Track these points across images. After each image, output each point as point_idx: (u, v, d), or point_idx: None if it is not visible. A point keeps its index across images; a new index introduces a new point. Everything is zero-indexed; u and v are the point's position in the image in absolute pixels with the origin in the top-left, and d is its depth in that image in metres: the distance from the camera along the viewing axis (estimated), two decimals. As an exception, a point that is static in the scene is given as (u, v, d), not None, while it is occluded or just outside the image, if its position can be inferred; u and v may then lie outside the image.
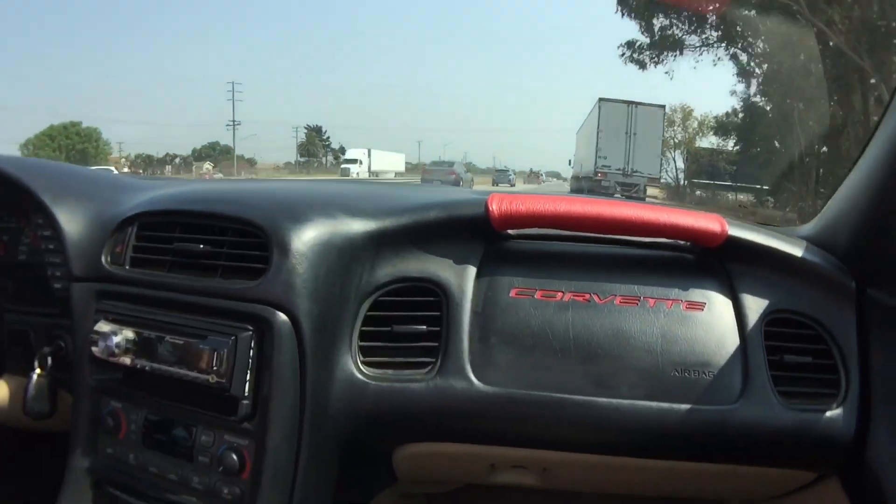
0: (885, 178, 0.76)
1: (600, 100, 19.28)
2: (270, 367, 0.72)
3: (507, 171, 41.60)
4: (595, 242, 0.88)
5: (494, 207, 0.81)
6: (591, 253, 0.87)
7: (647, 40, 16.38)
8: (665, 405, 0.76)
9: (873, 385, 0.79)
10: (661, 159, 19.07)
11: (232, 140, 44.20)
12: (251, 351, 0.72)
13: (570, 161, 30.21)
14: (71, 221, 0.87)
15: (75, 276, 0.85)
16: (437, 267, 0.82)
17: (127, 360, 0.76)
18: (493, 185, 31.55)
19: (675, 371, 0.77)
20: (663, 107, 20.50)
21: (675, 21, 15.76)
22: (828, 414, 0.78)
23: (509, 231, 0.86)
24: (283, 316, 0.73)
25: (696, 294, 0.82)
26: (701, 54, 16.22)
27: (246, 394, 0.72)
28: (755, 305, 0.82)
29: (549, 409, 0.76)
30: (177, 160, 53.92)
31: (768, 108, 18.25)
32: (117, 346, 0.76)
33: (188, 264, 0.79)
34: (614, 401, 0.76)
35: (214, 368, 0.71)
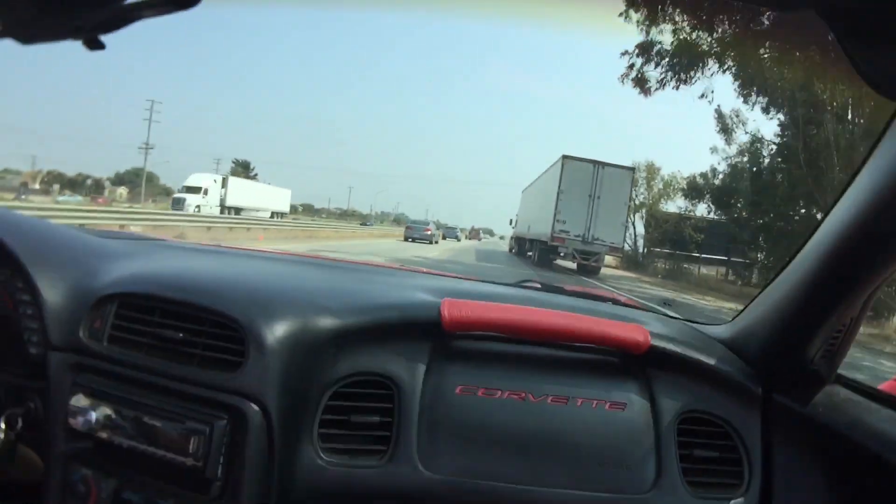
0: (796, 302, 0.87)
1: (564, 157, 16.94)
2: (242, 452, 0.78)
3: (455, 228, 46.44)
4: (532, 344, 0.97)
5: (446, 313, 0.90)
6: (528, 354, 0.97)
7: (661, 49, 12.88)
8: (588, 493, 0.86)
9: (775, 478, 0.91)
10: (626, 227, 16.92)
11: (144, 163, 38.78)
12: (225, 438, 0.78)
13: (511, 220, 28.78)
14: (51, 290, 0.88)
15: (53, 346, 0.86)
16: (392, 363, 0.90)
17: (104, 435, 0.79)
18: (442, 238, 35.01)
19: (598, 464, 0.88)
20: (632, 169, 18.52)
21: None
22: (731, 502, 0.89)
23: (457, 332, 0.94)
24: (256, 407, 0.79)
25: (619, 395, 0.93)
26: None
27: (219, 476, 0.78)
28: (670, 406, 0.93)
29: (488, 496, 0.85)
30: (88, 181, 49.33)
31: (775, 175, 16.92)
32: (96, 421, 0.79)
33: (167, 348, 0.83)
34: (543, 489, 0.86)
35: (191, 452, 0.77)
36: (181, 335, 0.83)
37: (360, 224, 50.99)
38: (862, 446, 0.80)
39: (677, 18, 11.28)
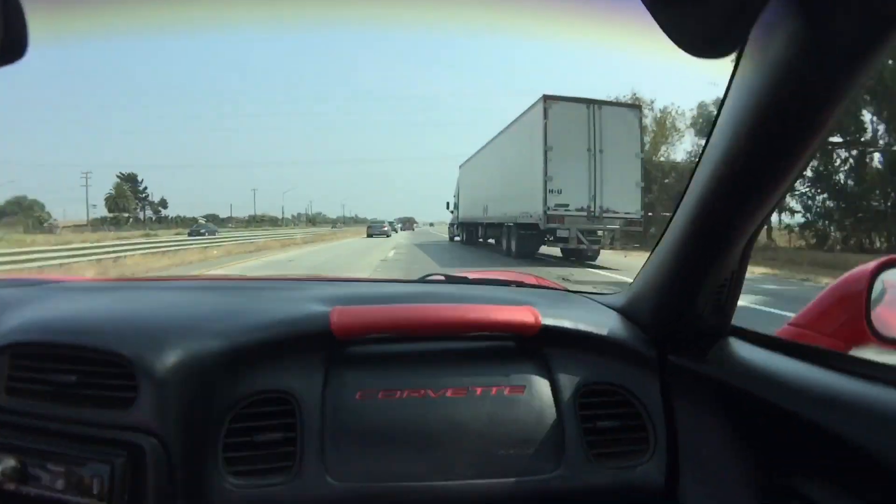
0: (676, 262, 0.89)
1: (546, 98, 11.61)
2: (145, 487, 0.79)
3: (383, 222, 43.16)
4: (428, 340, 0.99)
5: (336, 321, 0.92)
6: (423, 350, 0.98)
7: None
8: (494, 481, 0.88)
9: (680, 439, 0.93)
10: (642, 188, 12.00)
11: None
12: (127, 474, 0.79)
13: (449, 203, 24.82)
14: None
15: None
16: (289, 378, 0.90)
17: (12, 487, 0.79)
18: (367, 236, 35.81)
19: (501, 449, 0.89)
20: (638, 107, 13.53)
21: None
22: (639, 469, 0.92)
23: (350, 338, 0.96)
24: (153, 440, 0.80)
25: (517, 378, 0.94)
26: None
27: None
28: (569, 382, 0.95)
29: (396, 497, 0.86)
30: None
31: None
32: (3, 473, 0.79)
33: (63, 393, 0.83)
34: (450, 482, 0.87)
35: (95, 493, 0.78)
36: (74, 378, 0.83)
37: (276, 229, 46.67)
38: (756, 395, 0.80)
39: None
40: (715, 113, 0.74)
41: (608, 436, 0.93)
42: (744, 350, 0.90)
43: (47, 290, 1.21)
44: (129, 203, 50.57)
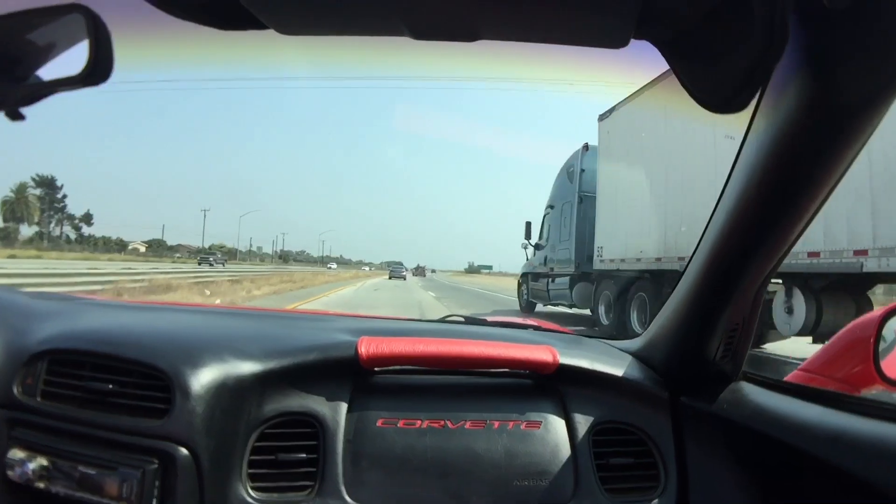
0: (690, 307, 0.93)
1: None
2: (174, 495, 0.82)
3: (402, 265, 50.41)
4: (449, 373, 1.03)
5: (363, 350, 0.96)
6: (445, 383, 1.02)
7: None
8: None
9: (690, 477, 0.95)
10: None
11: None
12: (157, 481, 0.82)
13: (530, 244, 12.44)
14: None
15: None
16: (314, 402, 0.94)
17: (42, 486, 0.83)
18: (389, 277, 41.42)
19: (517, 481, 0.92)
20: None
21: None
22: None
23: (376, 368, 1.00)
24: (185, 451, 0.84)
25: (534, 414, 0.98)
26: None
27: None
28: (584, 420, 0.98)
29: None
30: None
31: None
32: (32, 472, 0.82)
33: (98, 400, 0.87)
34: None
35: (125, 496, 0.81)
36: (110, 386, 0.87)
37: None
38: (767, 435, 0.82)
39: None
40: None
41: (621, 472, 0.95)
42: (755, 393, 0.92)
43: (85, 304, 1.25)
44: (31, 213, 41.69)
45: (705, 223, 0.86)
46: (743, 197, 0.74)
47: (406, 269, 44.84)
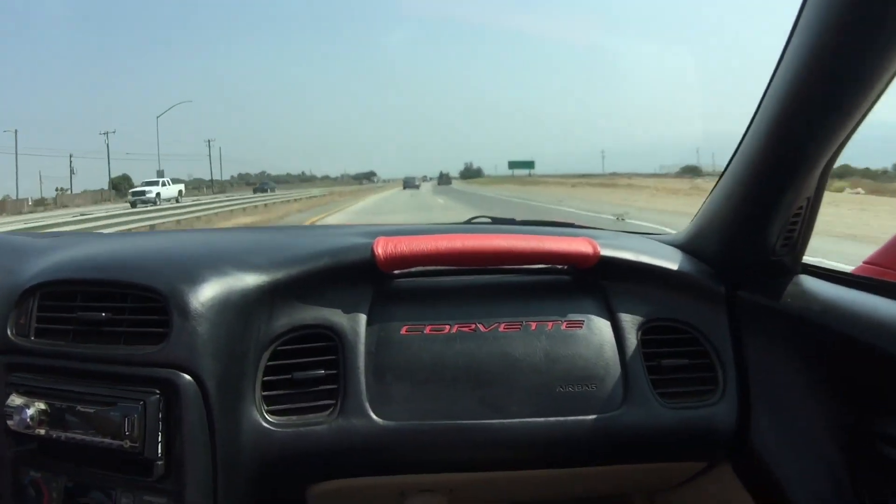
0: (746, 189, 0.82)
1: None
2: (180, 427, 0.75)
3: (415, 178, 50.54)
4: (478, 273, 0.93)
5: (380, 251, 0.86)
6: (474, 284, 0.93)
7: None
8: (553, 419, 0.82)
9: (750, 378, 0.86)
10: None
11: None
12: (160, 413, 0.75)
13: None
14: None
15: None
16: (330, 312, 0.86)
17: (42, 432, 0.78)
18: (403, 188, 42.66)
19: (560, 387, 0.83)
20: None
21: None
22: (708, 409, 0.85)
23: (396, 271, 0.90)
24: (187, 377, 0.76)
25: (575, 313, 0.88)
26: None
27: (159, 455, 0.75)
28: (631, 318, 0.88)
29: (446, 436, 0.81)
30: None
31: None
32: (31, 418, 0.77)
33: (92, 332, 0.80)
34: (506, 421, 0.81)
35: (127, 434, 0.74)
36: (104, 315, 0.80)
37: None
38: (836, 332, 0.74)
39: None
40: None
41: (674, 375, 0.87)
42: (820, 287, 0.84)
43: (85, 237, 1.19)
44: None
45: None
46: (810, 48, 0.63)
47: (418, 180, 48.06)
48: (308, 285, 0.86)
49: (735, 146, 0.85)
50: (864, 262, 1.06)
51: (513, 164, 74.35)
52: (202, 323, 0.77)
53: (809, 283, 0.86)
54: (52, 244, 1.04)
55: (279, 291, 0.85)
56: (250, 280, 0.83)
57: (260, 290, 0.83)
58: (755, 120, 0.78)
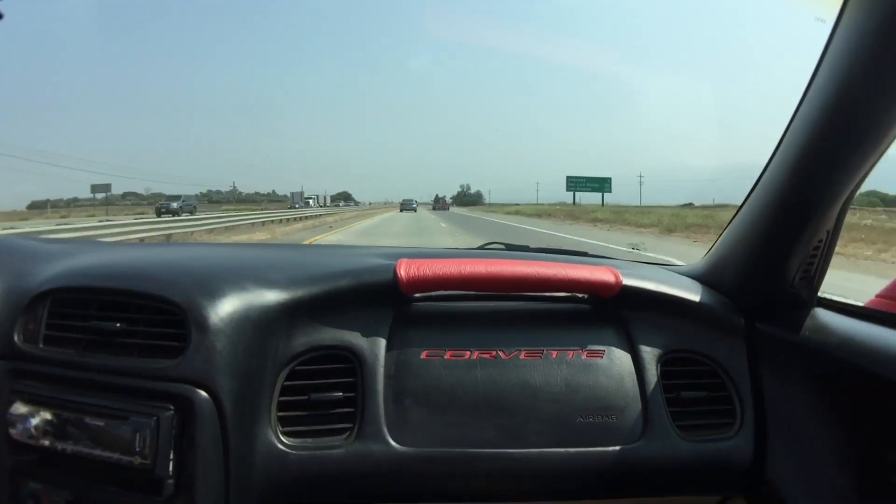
0: (767, 222, 0.83)
1: None
2: (193, 445, 0.73)
3: (412, 200, 50.12)
4: (499, 299, 0.92)
5: (402, 273, 0.85)
6: (495, 310, 0.92)
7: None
8: (573, 450, 0.81)
9: (768, 411, 0.86)
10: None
11: None
12: (174, 430, 0.73)
13: None
14: None
15: None
16: (350, 334, 0.84)
17: (46, 442, 0.75)
18: (400, 210, 43.46)
19: (580, 417, 0.82)
20: None
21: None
22: (726, 442, 0.85)
23: (416, 294, 0.89)
24: (203, 394, 0.74)
25: (595, 343, 0.87)
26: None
27: (170, 473, 0.72)
28: (651, 348, 0.88)
29: (464, 465, 0.80)
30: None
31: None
32: (35, 428, 0.74)
33: (105, 342, 0.78)
34: (525, 450, 0.80)
35: (137, 450, 0.71)
36: (118, 325, 0.78)
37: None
38: (852, 365, 0.75)
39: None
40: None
41: (692, 407, 0.86)
42: (835, 320, 0.84)
43: (93, 244, 1.17)
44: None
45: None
46: (833, 89, 0.64)
47: (417, 204, 48.20)
48: (328, 305, 0.85)
49: (754, 180, 0.86)
50: (877, 296, 1.07)
51: (575, 182, 45.73)
52: (220, 338, 0.75)
53: (825, 316, 0.86)
54: (64, 250, 1.02)
55: (299, 310, 0.83)
56: (270, 297, 0.82)
57: (280, 308, 0.82)
58: (776, 154, 0.78)
